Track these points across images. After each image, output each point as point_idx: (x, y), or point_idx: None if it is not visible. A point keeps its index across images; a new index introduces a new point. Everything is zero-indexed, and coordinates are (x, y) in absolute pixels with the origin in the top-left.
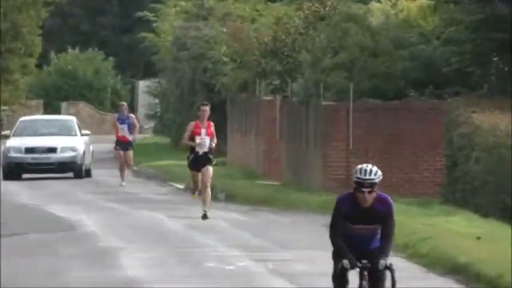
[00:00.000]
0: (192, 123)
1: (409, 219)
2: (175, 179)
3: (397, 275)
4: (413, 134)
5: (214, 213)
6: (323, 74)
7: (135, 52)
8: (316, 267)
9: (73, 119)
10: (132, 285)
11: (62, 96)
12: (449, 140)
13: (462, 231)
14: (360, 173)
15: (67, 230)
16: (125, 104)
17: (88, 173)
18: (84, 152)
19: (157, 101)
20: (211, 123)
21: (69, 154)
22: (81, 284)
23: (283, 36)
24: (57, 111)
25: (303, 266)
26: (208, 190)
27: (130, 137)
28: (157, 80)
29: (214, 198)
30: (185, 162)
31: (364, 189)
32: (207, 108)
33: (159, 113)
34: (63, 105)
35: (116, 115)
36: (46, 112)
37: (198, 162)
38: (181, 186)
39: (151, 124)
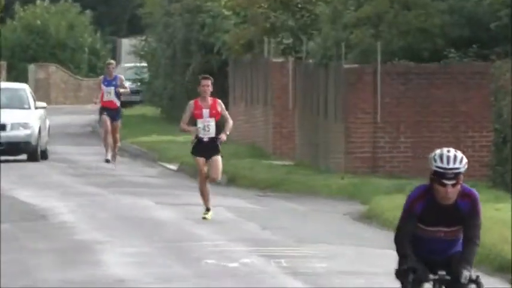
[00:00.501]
0: (192, 103)
1: None
2: (166, 159)
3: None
4: (454, 103)
5: (214, 200)
6: (345, 31)
7: (117, 4)
8: (337, 264)
9: (25, 87)
10: (114, 285)
11: (29, 57)
12: (498, 111)
13: None
14: (441, 160)
15: (37, 219)
16: (113, 62)
17: (44, 154)
18: (39, 130)
19: (144, 63)
20: (218, 101)
21: (21, 133)
22: (53, 285)
23: None
24: (23, 75)
25: (322, 264)
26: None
27: (118, 102)
28: (144, 38)
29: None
30: (180, 138)
31: (447, 182)
32: (209, 83)
33: (146, 79)
34: (31, 67)
35: (102, 77)
36: (9, 76)
37: (203, 150)
38: (173, 167)
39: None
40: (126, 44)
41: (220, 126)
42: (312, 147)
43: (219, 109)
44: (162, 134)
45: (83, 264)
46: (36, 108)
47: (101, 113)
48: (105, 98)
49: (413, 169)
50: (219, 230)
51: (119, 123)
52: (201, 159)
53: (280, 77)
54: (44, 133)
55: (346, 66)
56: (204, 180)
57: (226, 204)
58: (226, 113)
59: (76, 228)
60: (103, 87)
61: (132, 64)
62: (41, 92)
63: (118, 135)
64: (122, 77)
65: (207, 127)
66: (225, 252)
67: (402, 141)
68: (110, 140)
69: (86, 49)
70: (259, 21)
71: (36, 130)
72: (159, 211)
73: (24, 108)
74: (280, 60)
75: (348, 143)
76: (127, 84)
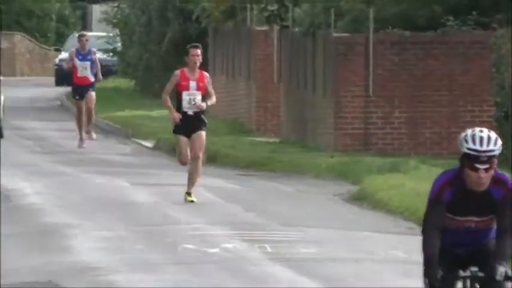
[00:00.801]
0: (177, 73)
1: None
2: (141, 135)
3: None
4: (453, 75)
5: None
6: None
7: None
8: (326, 250)
9: None
10: (86, 273)
11: None
12: (499, 83)
13: None
14: (473, 141)
15: (1, 201)
16: (86, 34)
17: None
18: None
19: (117, 31)
20: (206, 74)
21: None
22: (18, 273)
23: None
24: None
25: (310, 249)
26: (199, 164)
27: (92, 78)
28: (116, 4)
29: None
30: (154, 113)
31: (479, 166)
32: (199, 52)
33: (119, 48)
34: None
35: (74, 50)
36: None
37: (185, 125)
38: (149, 144)
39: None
40: (97, 10)
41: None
42: (299, 123)
43: (207, 82)
44: (136, 109)
45: (50, 251)
46: None
47: (73, 95)
48: (80, 74)
49: (407, 146)
50: (198, 212)
51: (93, 94)
52: (184, 139)
53: (264, 47)
54: None
55: (335, 35)
56: (184, 162)
57: (206, 184)
58: (211, 88)
59: (44, 211)
60: (76, 61)
61: (104, 33)
62: (5, 63)
63: (92, 108)
64: (95, 50)
65: (193, 100)
66: (204, 237)
67: (396, 116)
68: (84, 121)
69: (54, 16)
70: None
71: None
72: (134, 192)
73: None
74: (264, 28)
75: (337, 119)
76: (97, 55)
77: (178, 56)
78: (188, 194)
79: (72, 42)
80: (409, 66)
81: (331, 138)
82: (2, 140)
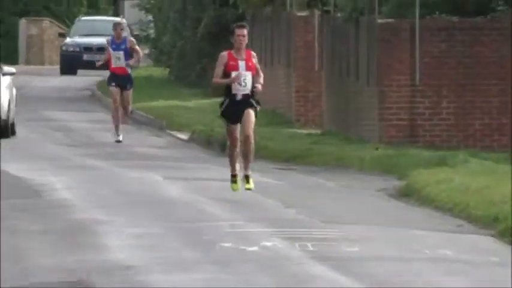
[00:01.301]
0: (224, 54)
1: (498, 182)
2: (176, 127)
3: (484, 259)
4: (503, 63)
5: (229, 174)
6: None
7: None
8: (370, 248)
9: None
10: (118, 272)
11: (19, 10)
12: None
13: None
14: None
15: (30, 197)
16: (123, 21)
17: (12, 129)
18: (9, 102)
19: (150, 17)
20: (253, 53)
21: None
22: (48, 272)
23: None
24: (13, 31)
25: (353, 248)
26: (252, 145)
27: (128, 68)
28: None
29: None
30: (190, 103)
31: None
32: (245, 32)
33: (153, 35)
34: (21, 22)
35: (109, 38)
36: None
37: (235, 110)
38: (184, 137)
39: (144, 50)
40: None
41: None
42: (341, 114)
43: (255, 61)
44: (170, 99)
45: (81, 248)
46: (3, 74)
47: (109, 82)
48: (114, 64)
49: (456, 138)
50: (236, 208)
51: (130, 92)
52: (233, 126)
53: (304, 33)
54: (12, 105)
55: (379, 21)
56: (233, 149)
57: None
58: (259, 67)
59: (74, 207)
60: (110, 50)
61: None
62: (34, 50)
63: (130, 107)
64: (132, 39)
65: (243, 81)
66: (243, 234)
67: (444, 106)
68: (121, 114)
69: (84, 1)
70: None
71: (5, 102)
72: (168, 187)
73: None
74: (304, 14)
75: (382, 109)
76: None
77: (214, 43)
78: (246, 178)
79: (78, 26)
80: (457, 53)
81: (376, 129)
82: (30, 132)
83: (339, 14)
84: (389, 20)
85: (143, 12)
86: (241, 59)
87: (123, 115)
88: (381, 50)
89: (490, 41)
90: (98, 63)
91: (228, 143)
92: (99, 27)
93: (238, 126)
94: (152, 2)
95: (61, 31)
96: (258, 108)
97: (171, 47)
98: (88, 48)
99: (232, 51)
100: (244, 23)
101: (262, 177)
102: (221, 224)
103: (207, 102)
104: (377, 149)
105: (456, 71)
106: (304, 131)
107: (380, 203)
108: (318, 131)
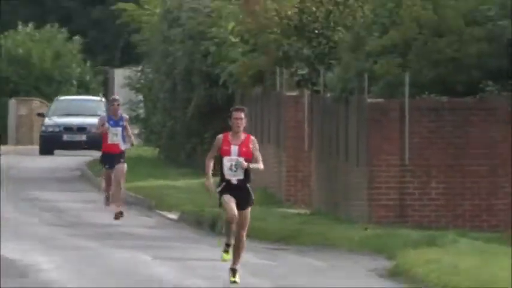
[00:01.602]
0: (220, 137)
1: (488, 263)
2: (166, 206)
3: None
4: (493, 144)
5: (219, 254)
6: (368, 60)
7: (109, 29)
8: None
9: None
10: None
11: (9, 90)
12: None
13: None
14: None
15: (17, 276)
16: (118, 99)
17: None
18: None
19: (140, 97)
20: (252, 138)
21: None
22: None
23: (313, 8)
24: (3, 111)
25: None
26: (244, 243)
27: (123, 146)
28: (139, 68)
29: (219, 233)
30: (180, 183)
31: None
32: (242, 115)
33: (143, 115)
34: (12, 102)
35: (105, 115)
36: None
37: (232, 193)
38: (174, 217)
39: (134, 130)
40: (120, 75)
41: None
42: (331, 194)
43: (251, 147)
44: (160, 178)
45: None
46: None
47: (103, 163)
48: (110, 141)
49: (445, 219)
50: None
51: (125, 166)
52: (231, 198)
53: (294, 113)
54: None
55: (369, 100)
56: (233, 221)
57: None
58: (259, 154)
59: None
60: (107, 126)
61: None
62: (24, 130)
63: (123, 179)
64: (127, 117)
65: (234, 167)
66: None
67: (433, 186)
68: (113, 190)
69: (74, 81)
70: (270, 49)
71: None
72: (157, 267)
73: None
74: (294, 93)
75: (371, 189)
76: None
77: (204, 123)
78: (233, 271)
79: (56, 106)
80: (446, 133)
81: (365, 209)
82: (19, 212)
83: (328, 94)
84: (379, 100)
85: (133, 92)
86: (235, 144)
87: (114, 193)
88: (371, 130)
89: (479, 121)
90: (95, 131)
91: (225, 221)
92: (78, 107)
93: (235, 201)
94: (142, 82)
95: (40, 111)
96: (253, 198)
97: (161, 126)
98: (68, 129)
99: (229, 134)
100: (242, 107)
101: (252, 257)
102: None
103: (197, 182)
104: (366, 229)
105: (445, 151)
106: (294, 211)
107: (370, 283)
108: (308, 211)
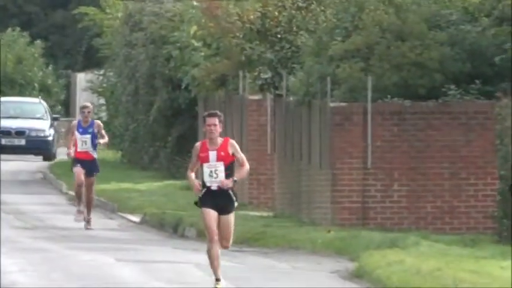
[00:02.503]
0: (197, 145)
1: (450, 265)
2: (128, 209)
3: None
4: (455, 147)
5: (182, 256)
6: (331, 65)
7: (72, 34)
8: None
9: None
10: None
11: None
12: (504, 155)
13: None
14: None
15: None
16: (89, 106)
17: None
18: None
19: (102, 101)
20: (231, 142)
21: None
22: None
23: (276, 13)
24: None
25: None
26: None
27: (95, 153)
28: (101, 72)
29: (181, 236)
30: (142, 186)
31: None
32: (216, 121)
33: (105, 118)
34: None
35: (76, 121)
36: None
37: (212, 200)
38: (136, 219)
39: None
40: (82, 79)
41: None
42: (294, 197)
43: (231, 151)
44: (123, 181)
45: None
46: None
47: (73, 165)
48: (80, 148)
49: (408, 221)
50: None
51: (94, 178)
52: (211, 212)
53: (257, 116)
54: None
55: (332, 104)
56: (214, 243)
57: (196, 260)
58: (242, 156)
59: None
60: (77, 134)
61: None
62: None
63: (93, 194)
64: (100, 122)
65: (214, 173)
66: None
67: (396, 189)
68: (83, 195)
69: (36, 85)
70: (233, 53)
71: None
72: (121, 269)
73: None
74: (257, 97)
75: (334, 192)
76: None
77: (167, 127)
78: (217, 281)
79: None
80: (409, 137)
81: (328, 212)
82: None
83: (291, 98)
84: (342, 104)
85: (95, 95)
86: (213, 149)
87: (87, 203)
88: (334, 133)
89: (441, 125)
90: (69, 154)
91: (208, 239)
92: (15, 109)
93: (215, 216)
94: (104, 85)
95: None
96: (236, 204)
97: (123, 130)
98: (6, 132)
99: (207, 141)
100: (216, 112)
101: None
102: None
103: (159, 184)
104: (329, 231)
105: (408, 155)
106: (257, 213)
107: (333, 284)
108: (271, 214)
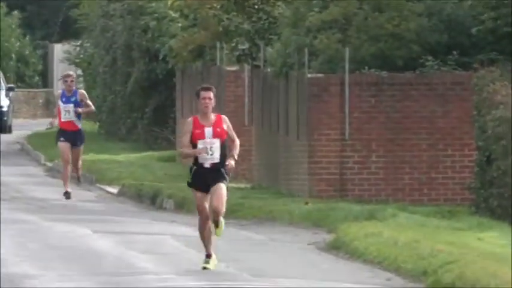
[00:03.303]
0: (190, 121)
1: (427, 236)
2: (106, 180)
3: None
4: (432, 118)
5: (160, 228)
6: (308, 36)
7: (48, 5)
8: None
9: None
10: None
11: None
12: (481, 126)
13: (499, 251)
14: None
15: None
16: (72, 74)
17: None
18: None
19: (80, 71)
20: (224, 117)
21: None
22: None
23: None
24: None
25: None
26: (222, 223)
27: (79, 123)
28: (79, 43)
29: (159, 207)
30: (121, 157)
31: None
32: (211, 95)
33: (82, 89)
34: None
35: (60, 91)
36: None
37: (203, 179)
38: (113, 190)
39: None
40: (59, 50)
41: (225, 150)
42: (271, 168)
43: (225, 127)
44: (100, 153)
45: None
46: None
47: (57, 138)
48: (63, 118)
49: (385, 192)
50: (165, 261)
51: (81, 148)
52: (201, 195)
53: (234, 88)
54: None
55: (309, 75)
56: (205, 222)
57: (173, 232)
58: (233, 132)
59: (4, 261)
60: (60, 104)
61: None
62: None
63: (80, 163)
64: (83, 92)
65: (210, 150)
66: None
67: (373, 160)
68: (69, 170)
69: (13, 55)
70: (210, 24)
71: None
72: (98, 240)
73: None
74: (234, 68)
75: (312, 163)
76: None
77: (144, 98)
78: (207, 257)
79: None
80: (386, 108)
81: (305, 183)
82: None
83: (269, 69)
84: (319, 75)
85: (73, 66)
86: (208, 125)
87: (75, 170)
88: (311, 105)
89: (419, 96)
90: (51, 122)
91: (199, 219)
92: None
93: (208, 196)
94: (81, 56)
95: None
96: (228, 180)
97: (101, 101)
98: None
99: (199, 117)
100: (209, 85)
101: (191, 231)
102: (151, 277)
103: (137, 156)
104: (307, 203)
105: (385, 126)
106: (235, 185)
107: (310, 256)
108: (248, 185)
